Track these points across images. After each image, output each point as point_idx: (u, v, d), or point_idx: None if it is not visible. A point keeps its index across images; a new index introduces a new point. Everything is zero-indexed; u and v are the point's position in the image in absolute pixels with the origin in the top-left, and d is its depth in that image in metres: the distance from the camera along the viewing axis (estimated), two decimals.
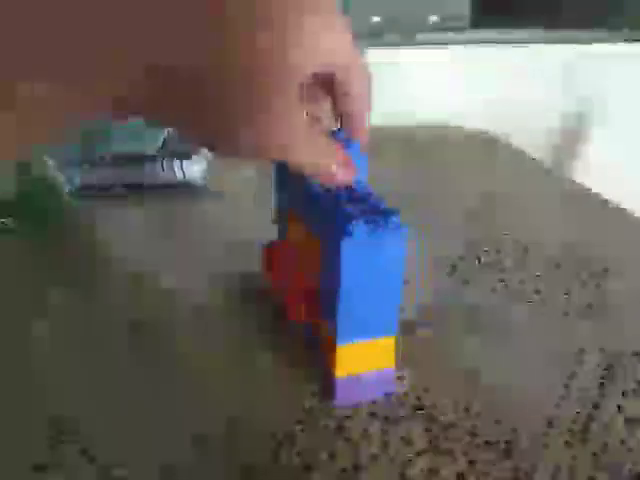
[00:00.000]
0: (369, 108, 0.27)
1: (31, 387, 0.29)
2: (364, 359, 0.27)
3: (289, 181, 0.32)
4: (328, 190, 0.27)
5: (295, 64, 0.20)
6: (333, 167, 0.25)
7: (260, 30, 0.19)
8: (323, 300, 0.28)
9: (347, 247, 0.24)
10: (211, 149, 0.23)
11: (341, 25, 0.22)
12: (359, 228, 0.24)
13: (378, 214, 0.25)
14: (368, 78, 0.26)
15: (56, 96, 0.18)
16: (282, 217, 0.35)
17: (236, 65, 0.19)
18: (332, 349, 0.27)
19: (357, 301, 0.26)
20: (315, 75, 0.23)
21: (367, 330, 0.27)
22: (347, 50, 0.23)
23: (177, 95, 0.19)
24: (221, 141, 0.21)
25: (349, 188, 0.26)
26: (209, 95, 0.19)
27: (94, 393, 0.29)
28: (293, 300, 0.30)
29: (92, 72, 0.18)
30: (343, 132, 0.27)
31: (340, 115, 0.27)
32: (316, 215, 0.28)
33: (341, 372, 0.27)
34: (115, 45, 0.17)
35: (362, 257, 0.24)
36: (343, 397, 0.28)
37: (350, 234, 0.24)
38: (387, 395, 0.28)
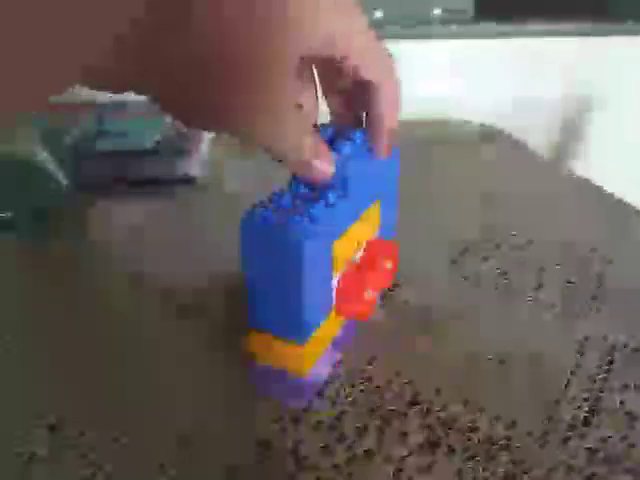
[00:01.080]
0: (397, 109, 0.25)
1: (27, 385, 0.29)
2: (273, 354, 0.26)
3: None
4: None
5: (295, 39, 0.19)
6: (317, 163, 0.24)
7: None
8: None
9: (245, 229, 0.23)
10: (191, 125, 0.21)
11: (353, 7, 0.21)
12: (260, 214, 0.23)
13: (298, 207, 0.24)
14: (394, 69, 0.24)
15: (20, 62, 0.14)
16: None
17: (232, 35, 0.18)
18: None
19: (260, 290, 0.25)
20: (322, 62, 0.22)
21: (273, 325, 0.25)
22: (361, 32, 0.22)
23: (161, 59, 0.18)
24: (206, 120, 0.20)
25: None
26: (196, 64, 0.18)
27: (87, 393, 0.29)
28: None
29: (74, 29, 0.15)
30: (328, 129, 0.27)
31: (358, 114, 0.26)
32: None
33: (253, 356, 0.27)
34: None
35: (259, 245, 0.23)
36: (258, 384, 0.28)
37: (250, 217, 0.23)
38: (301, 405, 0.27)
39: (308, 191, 0.25)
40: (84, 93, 0.58)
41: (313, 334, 0.26)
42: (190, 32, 0.17)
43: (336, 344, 0.30)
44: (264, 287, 0.24)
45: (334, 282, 0.27)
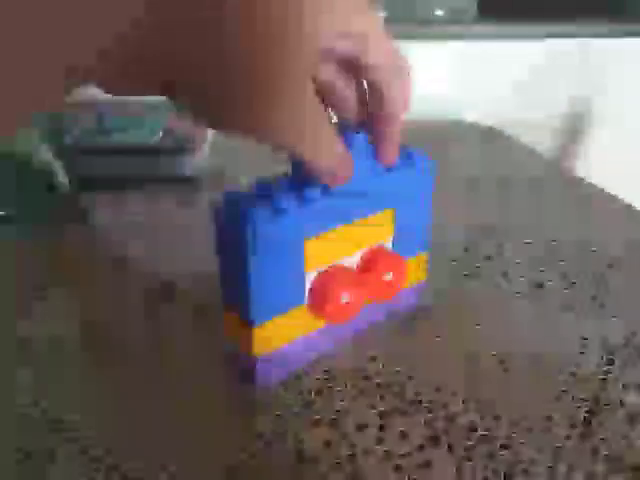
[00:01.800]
0: (404, 109, 0.25)
1: (26, 383, 0.29)
2: (233, 332, 0.28)
3: None
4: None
5: (311, 34, 0.18)
6: (336, 168, 0.24)
7: None
8: None
9: (215, 211, 0.25)
10: (203, 122, 0.21)
11: (367, 7, 0.21)
12: (230, 198, 0.25)
13: (270, 197, 0.25)
14: (405, 71, 0.24)
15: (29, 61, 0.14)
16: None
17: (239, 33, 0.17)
18: None
19: (225, 270, 0.27)
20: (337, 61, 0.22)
21: (234, 304, 0.27)
22: (375, 32, 0.22)
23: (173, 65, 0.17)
24: (218, 117, 0.20)
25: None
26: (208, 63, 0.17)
27: (87, 391, 0.29)
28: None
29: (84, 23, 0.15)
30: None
31: (365, 114, 0.26)
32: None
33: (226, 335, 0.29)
34: None
35: (224, 227, 0.25)
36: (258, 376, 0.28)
37: (221, 199, 0.25)
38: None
39: (291, 184, 0.26)
40: (84, 92, 0.58)
41: (271, 322, 0.27)
42: (199, 33, 0.17)
43: (311, 345, 0.30)
44: (228, 267, 0.26)
45: (307, 279, 0.28)
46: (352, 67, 0.23)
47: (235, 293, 0.26)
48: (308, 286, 0.28)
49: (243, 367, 0.28)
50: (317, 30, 0.19)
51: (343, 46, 0.21)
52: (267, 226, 0.24)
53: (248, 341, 0.27)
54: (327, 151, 0.23)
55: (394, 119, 0.25)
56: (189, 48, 0.17)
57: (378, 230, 0.31)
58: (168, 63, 0.18)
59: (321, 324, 0.30)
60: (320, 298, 0.28)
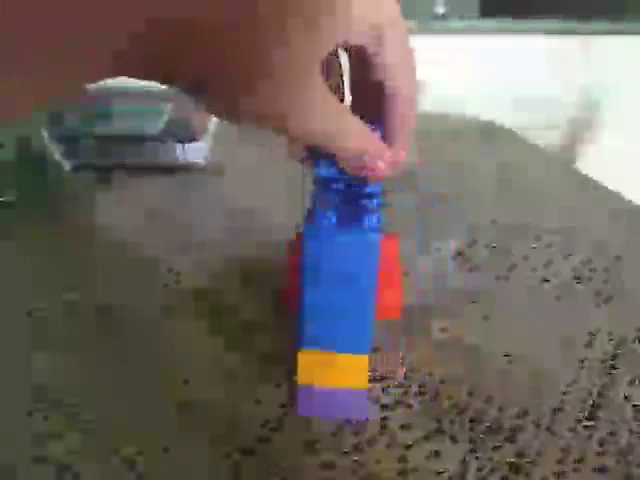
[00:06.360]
0: (413, 112, 0.23)
1: (18, 363, 0.29)
2: None
3: None
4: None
5: (325, 29, 0.17)
6: (369, 155, 0.22)
7: None
8: None
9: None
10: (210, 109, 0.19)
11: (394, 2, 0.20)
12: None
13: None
14: (414, 69, 0.23)
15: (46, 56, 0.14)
16: None
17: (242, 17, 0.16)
18: None
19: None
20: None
21: None
22: (393, 25, 0.20)
23: (178, 50, 0.16)
24: (220, 102, 0.18)
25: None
26: (215, 46, 0.16)
27: (92, 375, 0.28)
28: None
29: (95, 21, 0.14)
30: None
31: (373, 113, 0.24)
32: None
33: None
34: None
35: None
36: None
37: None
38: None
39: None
40: None
41: None
42: (209, 28, 0.16)
43: None
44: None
45: None
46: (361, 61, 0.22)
47: None
48: None
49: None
50: (339, 25, 0.18)
51: (358, 39, 0.20)
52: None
53: None
54: (355, 133, 0.21)
55: (407, 118, 0.24)
56: (206, 46, 0.16)
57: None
58: (178, 60, 0.17)
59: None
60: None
